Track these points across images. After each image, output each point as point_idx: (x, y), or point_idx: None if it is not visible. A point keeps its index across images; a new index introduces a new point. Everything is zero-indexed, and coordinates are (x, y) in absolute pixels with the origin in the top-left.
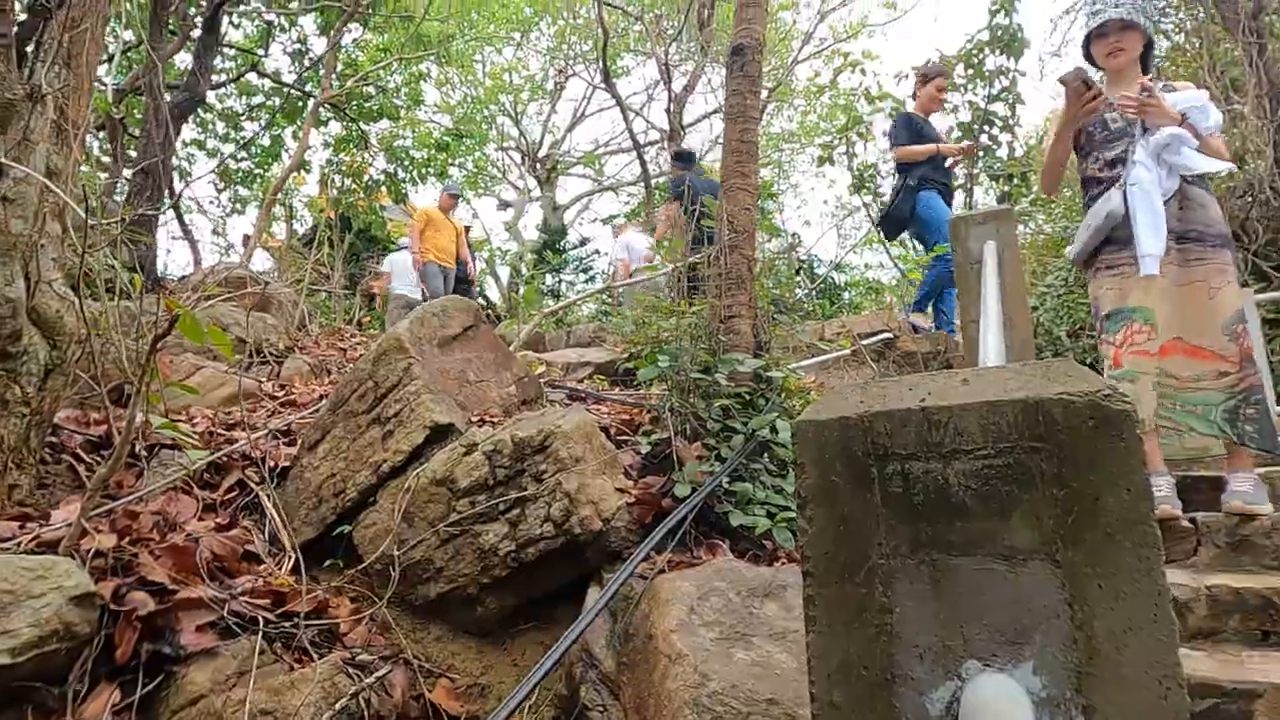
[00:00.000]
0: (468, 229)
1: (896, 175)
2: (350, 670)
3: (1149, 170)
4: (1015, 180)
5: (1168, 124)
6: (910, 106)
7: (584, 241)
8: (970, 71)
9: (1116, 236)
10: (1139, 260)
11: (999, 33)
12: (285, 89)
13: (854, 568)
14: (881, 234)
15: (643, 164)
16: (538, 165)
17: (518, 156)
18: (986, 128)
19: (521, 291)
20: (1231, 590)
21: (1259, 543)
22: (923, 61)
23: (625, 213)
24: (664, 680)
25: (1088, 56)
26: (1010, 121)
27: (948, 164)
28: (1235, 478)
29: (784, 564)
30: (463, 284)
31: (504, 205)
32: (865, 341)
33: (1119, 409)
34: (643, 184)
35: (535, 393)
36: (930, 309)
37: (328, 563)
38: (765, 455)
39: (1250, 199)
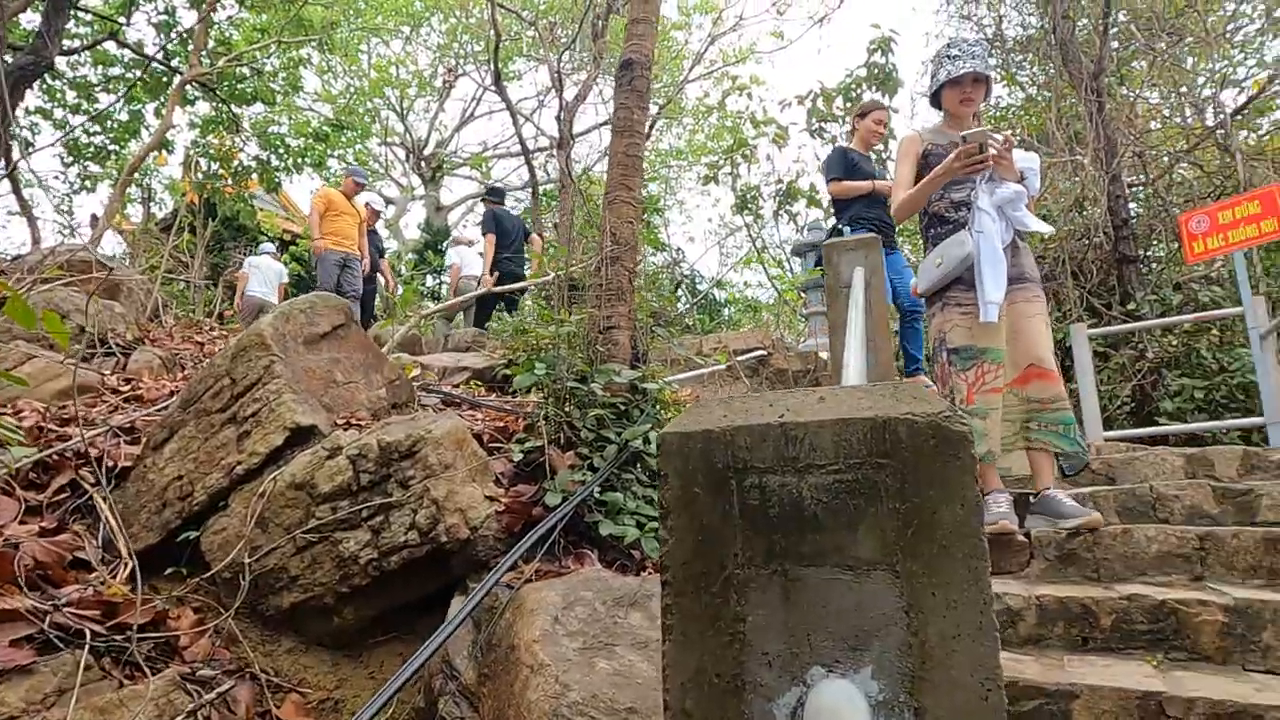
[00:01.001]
0: (376, 214)
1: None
2: (189, 686)
3: (994, 221)
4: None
5: (1013, 179)
6: (849, 141)
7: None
8: (849, 105)
9: (965, 277)
10: (982, 306)
11: (875, 71)
12: (148, 62)
13: (710, 577)
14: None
15: (531, 170)
16: (422, 163)
17: (402, 153)
18: None
19: (400, 292)
20: (1057, 600)
21: (1083, 556)
22: (861, 99)
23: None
24: (524, 691)
25: (935, 96)
26: (883, 155)
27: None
28: (1060, 493)
29: (651, 574)
30: (365, 280)
31: (387, 203)
32: (740, 357)
33: (958, 430)
34: (530, 190)
35: (407, 396)
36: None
37: (170, 571)
38: (638, 465)
39: (1087, 241)
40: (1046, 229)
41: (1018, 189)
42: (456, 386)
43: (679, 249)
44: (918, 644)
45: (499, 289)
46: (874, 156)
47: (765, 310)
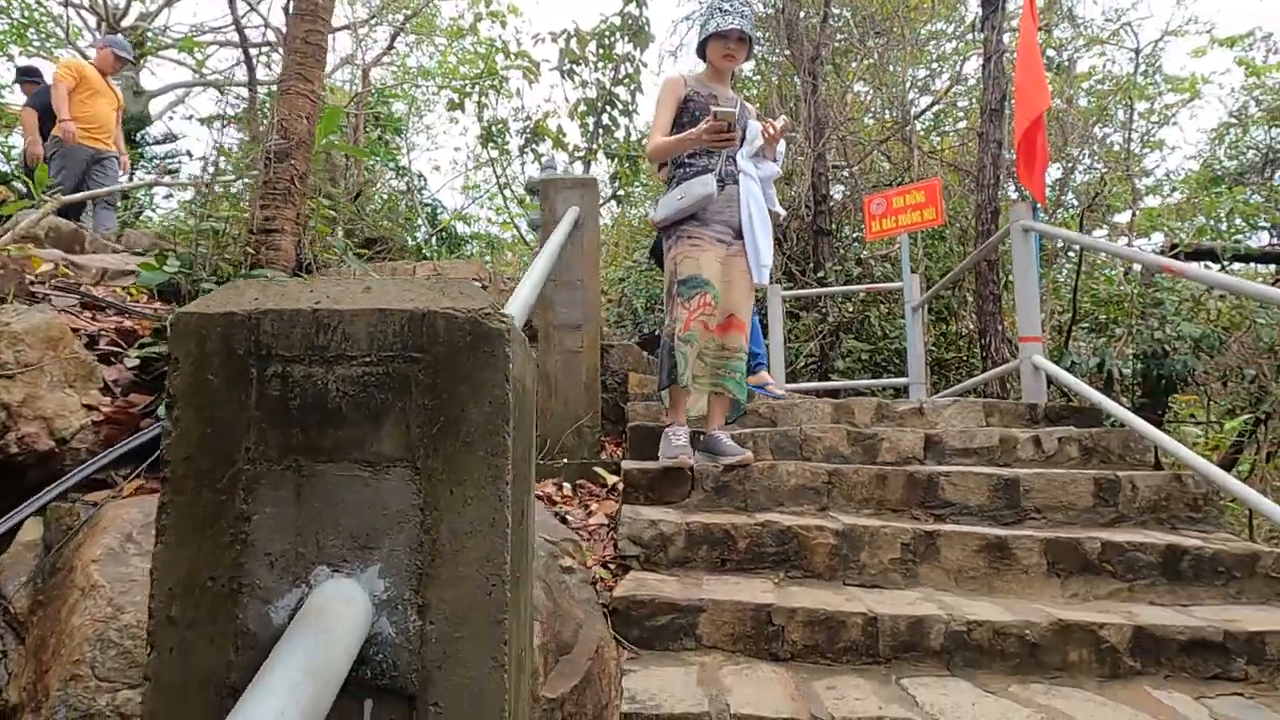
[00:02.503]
0: (122, 61)
1: None
2: None
3: (759, 188)
4: (628, 163)
5: (772, 158)
6: None
7: (171, 138)
8: (601, 51)
9: (701, 216)
10: (755, 269)
11: (629, 21)
12: None
13: (216, 474)
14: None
15: (250, 66)
16: (121, 35)
17: (92, 20)
18: (608, 108)
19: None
20: (703, 526)
21: (735, 488)
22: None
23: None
24: (70, 615)
25: (701, 47)
26: (630, 107)
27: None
28: (722, 434)
29: None
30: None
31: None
32: None
33: (495, 327)
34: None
35: (8, 290)
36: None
37: None
38: None
39: (792, 212)
40: (782, 211)
41: (776, 169)
42: (117, 291)
43: (420, 175)
44: (429, 541)
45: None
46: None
47: (508, 249)
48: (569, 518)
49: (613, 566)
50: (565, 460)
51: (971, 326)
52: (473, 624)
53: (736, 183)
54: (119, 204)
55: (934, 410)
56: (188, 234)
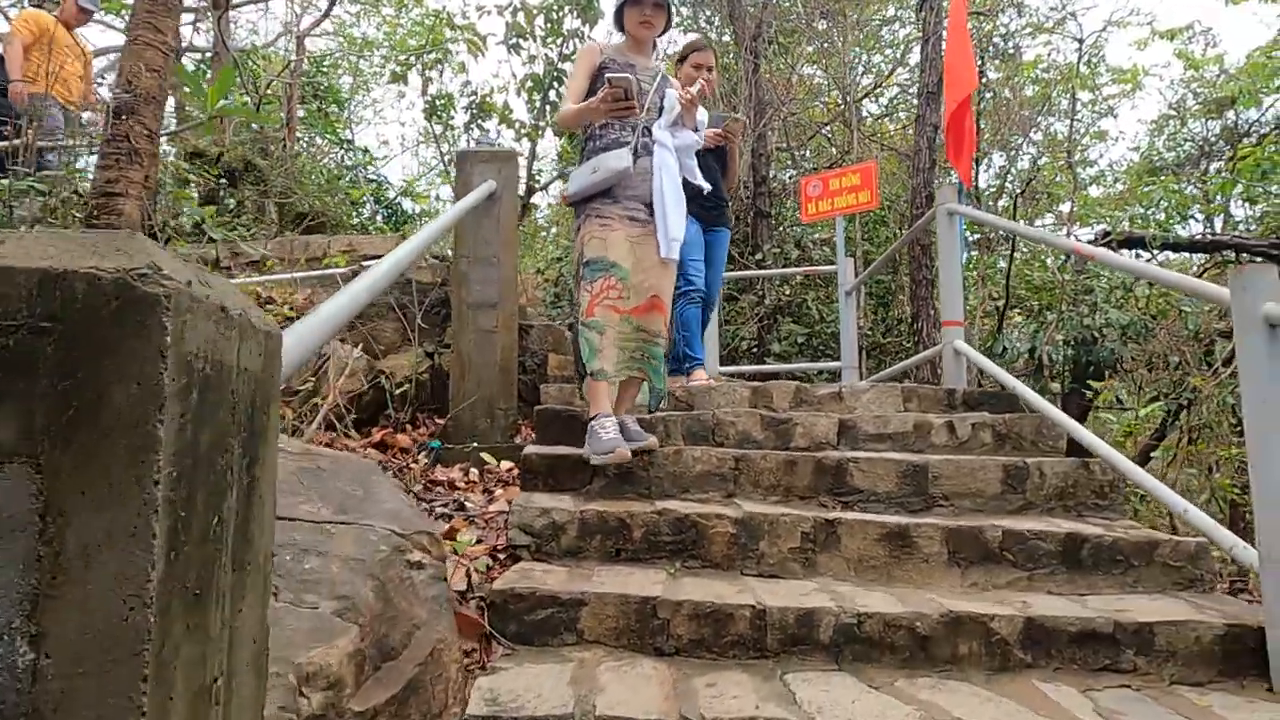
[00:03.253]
0: (87, 14)
1: None
2: None
3: (674, 159)
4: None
5: (692, 127)
6: None
7: None
8: (549, 26)
9: (613, 192)
10: (664, 243)
11: None
12: None
13: None
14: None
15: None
16: None
17: None
18: (555, 84)
19: None
20: (598, 514)
21: (639, 474)
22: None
23: None
24: None
25: (619, 14)
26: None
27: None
28: (629, 418)
29: None
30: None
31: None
32: (368, 263)
33: (151, 292)
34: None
35: None
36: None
37: None
38: None
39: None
40: (705, 185)
41: (695, 139)
42: None
43: (366, 149)
44: (50, 555)
45: None
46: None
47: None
48: (468, 504)
49: (503, 556)
50: (475, 444)
51: (909, 310)
52: (101, 657)
53: (651, 154)
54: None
55: (853, 395)
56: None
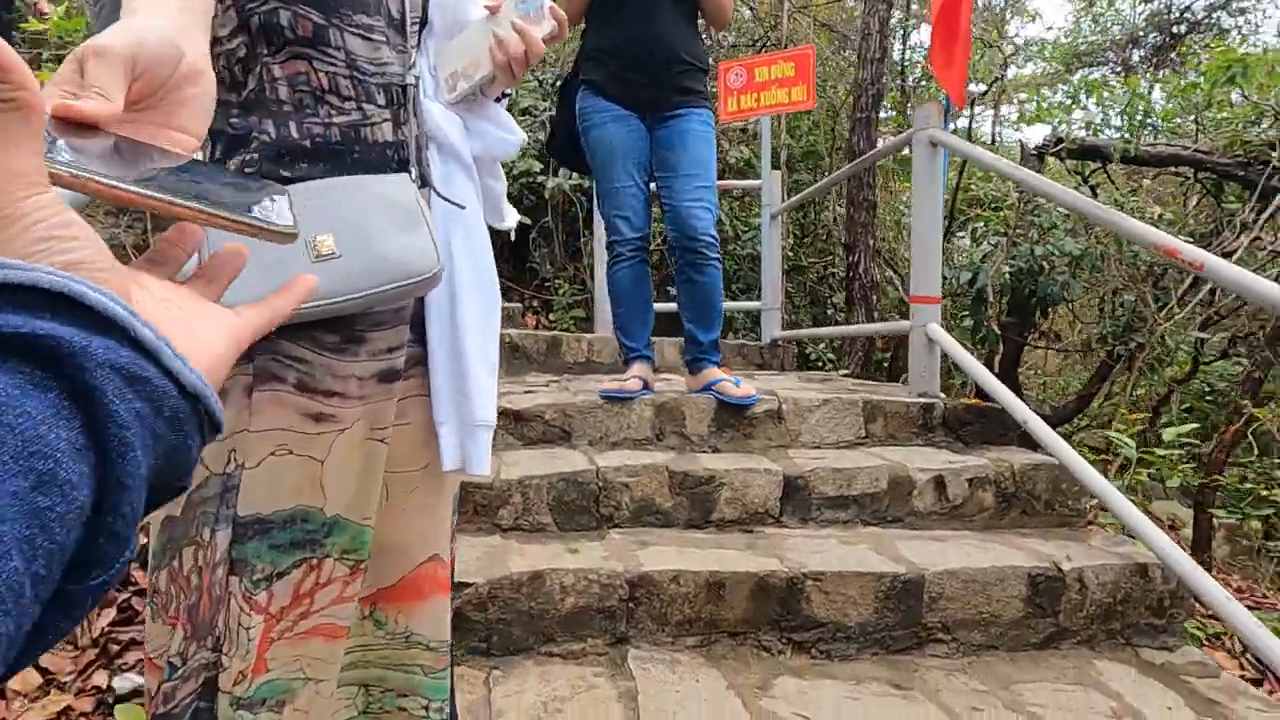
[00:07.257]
0: None
1: None
2: None
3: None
4: None
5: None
6: None
7: None
8: None
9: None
10: (452, 434)
11: None
12: None
13: None
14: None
15: None
16: None
17: None
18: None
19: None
20: None
21: (471, 617)
22: None
23: None
24: None
25: None
26: None
27: None
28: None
29: None
30: None
31: None
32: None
33: None
34: None
35: None
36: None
37: None
38: None
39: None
40: (511, 222)
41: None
42: None
43: None
44: None
45: None
46: None
47: None
48: None
49: None
50: None
51: (836, 232)
52: None
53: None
54: None
55: (796, 414)
56: None
